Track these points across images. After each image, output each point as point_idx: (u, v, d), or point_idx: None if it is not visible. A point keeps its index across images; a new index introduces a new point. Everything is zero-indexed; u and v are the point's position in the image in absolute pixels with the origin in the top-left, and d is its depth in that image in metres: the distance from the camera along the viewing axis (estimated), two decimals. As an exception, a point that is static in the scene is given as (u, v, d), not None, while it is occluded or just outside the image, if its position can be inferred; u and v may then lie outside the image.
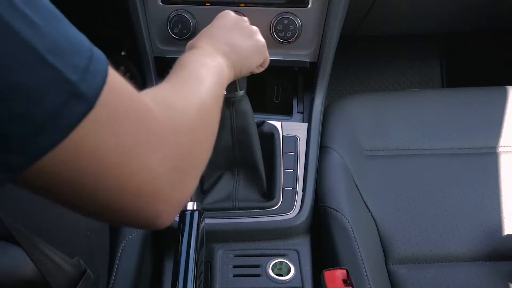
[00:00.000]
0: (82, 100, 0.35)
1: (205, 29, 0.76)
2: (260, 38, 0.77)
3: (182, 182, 0.46)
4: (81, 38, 0.38)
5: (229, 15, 0.78)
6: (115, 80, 0.40)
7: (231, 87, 0.85)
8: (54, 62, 0.34)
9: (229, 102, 0.87)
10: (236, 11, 0.97)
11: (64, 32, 0.36)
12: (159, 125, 0.43)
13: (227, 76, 0.66)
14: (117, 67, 1.33)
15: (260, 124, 1.01)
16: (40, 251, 0.61)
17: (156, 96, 0.49)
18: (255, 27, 0.78)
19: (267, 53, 0.80)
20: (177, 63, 0.61)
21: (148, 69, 1.05)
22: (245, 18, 0.80)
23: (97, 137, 0.37)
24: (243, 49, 0.72)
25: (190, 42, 0.76)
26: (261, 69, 0.81)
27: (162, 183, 0.43)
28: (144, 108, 0.43)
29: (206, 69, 0.60)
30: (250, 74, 0.79)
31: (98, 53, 0.39)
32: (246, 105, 0.90)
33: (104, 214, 0.43)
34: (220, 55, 0.67)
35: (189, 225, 0.75)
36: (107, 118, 0.38)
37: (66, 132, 0.35)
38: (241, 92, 0.87)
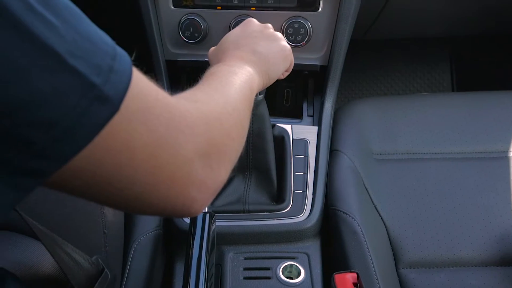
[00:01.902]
0: (106, 102, 0.35)
1: (228, 37, 0.76)
2: (285, 43, 0.77)
3: (213, 169, 0.47)
4: (103, 36, 0.37)
5: (253, 23, 0.78)
6: (140, 76, 0.40)
7: None
8: (76, 64, 0.33)
9: None
10: (247, 15, 0.98)
11: (85, 31, 0.35)
12: (187, 113, 0.44)
13: (257, 83, 0.67)
14: None
15: (273, 126, 1.01)
16: (60, 248, 0.62)
17: (182, 94, 0.50)
18: (279, 33, 0.78)
19: (293, 57, 0.79)
20: (206, 73, 0.61)
21: (160, 72, 1.06)
22: (269, 25, 0.79)
23: (128, 132, 0.38)
24: (270, 56, 0.72)
25: (212, 51, 0.77)
26: (286, 74, 0.81)
27: (195, 169, 0.44)
28: (171, 99, 0.44)
29: (236, 76, 0.60)
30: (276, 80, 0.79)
31: (121, 51, 0.38)
32: (263, 109, 0.90)
33: (141, 206, 0.43)
34: (248, 65, 0.67)
35: (200, 227, 0.75)
36: (137, 111, 0.38)
37: (92, 135, 0.35)
38: (260, 96, 0.87)
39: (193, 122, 0.44)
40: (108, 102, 0.35)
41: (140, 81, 0.40)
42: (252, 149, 0.92)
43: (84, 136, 0.35)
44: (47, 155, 0.34)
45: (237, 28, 0.78)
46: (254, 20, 0.80)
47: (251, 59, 0.69)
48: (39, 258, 0.66)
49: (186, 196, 0.44)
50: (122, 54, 0.38)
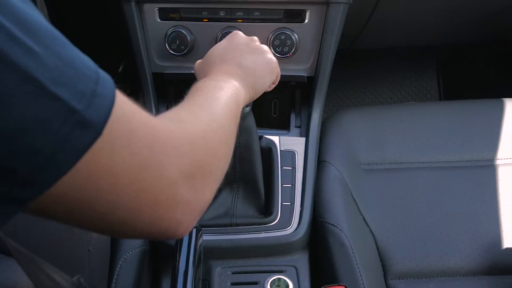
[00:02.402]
0: (89, 127, 0.35)
1: (214, 50, 0.76)
2: (271, 56, 0.77)
3: (198, 190, 0.46)
4: (86, 61, 0.37)
5: (239, 36, 0.78)
6: (123, 99, 0.40)
7: None
8: (58, 92, 0.33)
9: None
10: (233, 27, 0.98)
11: (67, 57, 0.35)
12: (171, 134, 0.44)
13: (243, 97, 0.66)
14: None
15: (260, 138, 1.01)
16: (39, 268, 0.60)
17: (166, 114, 0.49)
18: (265, 46, 0.78)
19: (279, 70, 0.79)
20: (192, 89, 0.61)
21: (146, 85, 1.06)
22: (255, 38, 0.79)
23: (111, 156, 0.37)
24: (256, 70, 0.72)
25: (199, 64, 0.77)
26: (273, 86, 0.81)
27: (179, 191, 0.43)
28: (155, 121, 0.43)
29: (221, 91, 0.60)
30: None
31: (104, 75, 0.38)
32: (251, 121, 0.90)
33: (125, 230, 0.43)
34: (234, 79, 0.67)
35: (187, 242, 0.75)
36: (120, 135, 0.38)
37: (74, 161, 0.35)
38: (247, 109, 0.87)
39: (177, 143, 0.44)
40: (90, 127, 0.35)
41: (123, 104, 0.39)
42: (240, 161, 0.92)
43: (66, 162, 0.34)
44: (28, 182, 0.33)
45: (223, 41, 0.77)
46: (240, 33, 0.80)
47: (237, 73, 0.69)
48: (19, 278, 0.65)
49: (171, 219, 0.44)
50: (105, 77, 0.38)
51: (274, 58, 0.78)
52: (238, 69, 0.70)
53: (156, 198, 0.42)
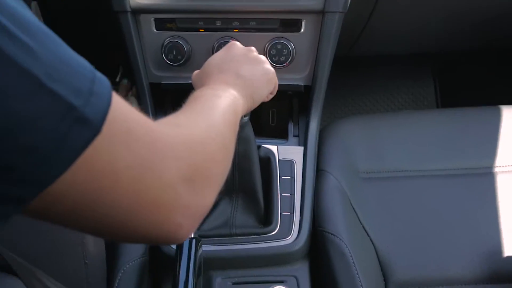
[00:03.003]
0: (87, 124, 0.35)
1: (212, 60, 0.76)
2: (269, 67, 0.77)
3: (198, 194, 0.46)
4: (81, 60, 0.37)
5: (236, 46, 0.77)
6: (119, 100, 0.39)
7: None
8: (55, 88, 0.33)
9: None
10: (230, 37, 0.98)
11: (62, 54, 0.35)
12: (168, 137, 0.44)
13: (241, 107, 0.66)
14: (132, 85, 1.34)
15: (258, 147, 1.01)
16: (39, 282, 0.60)
17: (163, 119, 0.50)
18: (263, 57, 0.78)
19: (277, 80, 0.80)
20: (190, 98, 0.61)
21: (144, 95, 1.05)
22: (253, 48, 0.79)
23: (110, 154, 0.37)
24: (254, 80, 0.72)
25: (196, 74, 0.77)
26: (271, 97, 0.81)
27: (179, 194, 0.43)
28: (152, 124, 0.43)
29: (219, 99, 0.60)
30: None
31: (100, 75, 0.38)
32: (249, 131, 0.90)
33: (125, 233, 0.43)
34: (232, 88, 0.67)
35: (187, 253, 0.74)
36: (118, 133, 0.38)
37: (73, 158, 0.34)
38: (245, 119, 0.87)
39: (175, 146, 0.44)
40: (89, 124, 0.35)
41: (120, 104, 0.39)
42: (238, 171, 0.92)
43: (65, 159, 0.34)
44: (26, 181, 0.33)
45: (221, 52, 0.78)
46: (238, 43, 0.80)
47: (235, 82, 0.69)
48: None
49: (171, 222, 0.44)
50: (101, 78, 0.38)
51: (271, 69, 0.78)
52: (236, 79, 0.70)
53: (156, 200, 0.42)
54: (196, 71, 0.78)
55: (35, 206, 0.35)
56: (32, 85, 0.32)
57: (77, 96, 0.34)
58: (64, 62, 0.35)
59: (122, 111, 0.39)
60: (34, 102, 0.32)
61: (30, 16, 0.34)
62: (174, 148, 0.44)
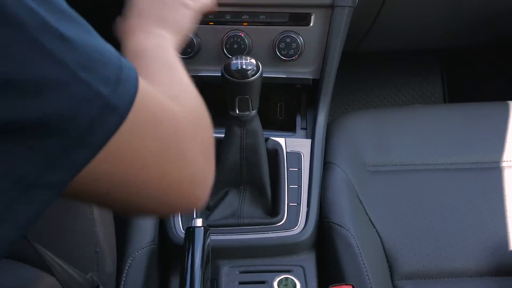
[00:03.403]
0: (115, 111, 0.36)
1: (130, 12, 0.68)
2: None
3: (208, 165, 0.50)
4: (110, 48, 0.39)
5: None
6: (145, 86, 0.41)
7: (244, 106, 0.85)
8: (86, 77, 0.34)
9: (240, 121, 0.88)
10: (239, 30, 0.99)
11: (94, 43, 0.37)
12: (184, 119, 0.46)
13: (177, 45, 0.64)
14: None
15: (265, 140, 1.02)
16: (59, 265, 0.62)
17: (162, 91, 0.49)
18: None
19: None
20: (132, 50, 0.58)
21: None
22: None
23: (139, 140, 0.39)
24: (165, 3, 0.67)
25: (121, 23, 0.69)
26: (207, 8, 0.74)
27: (198, 170, 0.47)
28: (173, 107, 0.45)
29: (167, 52, 0.59)
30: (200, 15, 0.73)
31: (126, 62, 0.40)
32: (257, 124, 0.91)
33: (152, 209, 0.46)
34: (161, 29, 0.63)
35: (195, 242, 0.75)
36: (145, 120, 0.40)
37: (102, 144, 0.36)
38: (253, 112, 0.88)
39: (190, 127, 0.47)
40: (116, 110, 0.36)
41: (145, 91, 0.41)
42: (246, 164, 0.93)
43: (95, 144, 0.36)
44: (59, 165, 0.35)
45: None
46: None
47: (159, 23, 0.64)
48: (27, 282, 0.65)
49: (192, 195, 0.48)
50: (128, 65, 0.39)
51: None
52: (156, 20, 0.65)
53: (180, 177, 0.45)
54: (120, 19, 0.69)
55: (72, 190, 0.37)
56: (66, 75, 0.33)
57: (106, 85, 0.35)
58: (96, 51, 0.36)
59: (148, 97, 0.41)
60: (66, 91, 0.33)
61: (63, 3, 0.36)
62: (190, 129, 0.47)
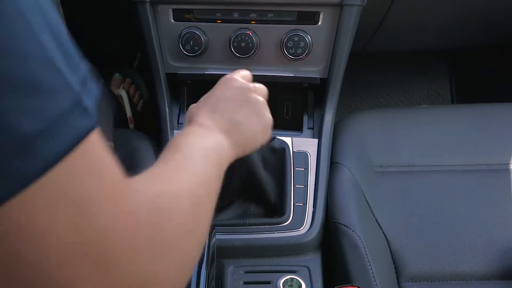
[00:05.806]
0: (86, 114, 0.33)
1: (207, 96, 0.69)
2: (268, 114, 0.70)
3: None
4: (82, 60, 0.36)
5: (233, 83, 0.69)
6: (97, 136, 0.35)
7: None
8: (63, 67, 0.32)
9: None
10: (247, 28, 0.99)
11: (72, 50, 0.34)
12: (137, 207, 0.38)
13: (227, 156, 0.60)
14: (123, 79, 1.35)
15: (270, 140, 1.01)
16: None
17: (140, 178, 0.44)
18: (262, 99, 0.69)
19: (271, 130, 0.72)
20: (172, 142, 0.56)
21: (160, 85, 1.06)
22: (251, 86, 0.70)
23: (98, 156, 0.35)
24: (248, 128, 0.65)
25: (191, 108, 0.69)
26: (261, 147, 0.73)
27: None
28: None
29: (202, 153, 0.55)
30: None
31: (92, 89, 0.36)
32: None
33: None
34: (219, 133, 0.61)
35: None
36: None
37: (76, 140, 0.32)
38: None
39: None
40: (87, 113, 0.33)
41: (97, 138, 0.35)
42: (241, 178, 0.90)
43: (69, 137, 0.32)
44: (33, 151, 0.30)
45: (218, 87, 0.70)
46: (236, 78, 0.70)
47: (225, 127, 0.62)
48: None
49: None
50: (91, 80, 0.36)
51: (270, 116, 0.70)
52: (226, 123, 0.63)
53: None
54: (193, 105, 0.70)
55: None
56: (58, 80, 0.31)
57: (78, 83, 0.33)
58: (73, 50, 0.34)
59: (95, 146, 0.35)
60: (45, 73, 0.31)
61: (60, 23, 0.34)
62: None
